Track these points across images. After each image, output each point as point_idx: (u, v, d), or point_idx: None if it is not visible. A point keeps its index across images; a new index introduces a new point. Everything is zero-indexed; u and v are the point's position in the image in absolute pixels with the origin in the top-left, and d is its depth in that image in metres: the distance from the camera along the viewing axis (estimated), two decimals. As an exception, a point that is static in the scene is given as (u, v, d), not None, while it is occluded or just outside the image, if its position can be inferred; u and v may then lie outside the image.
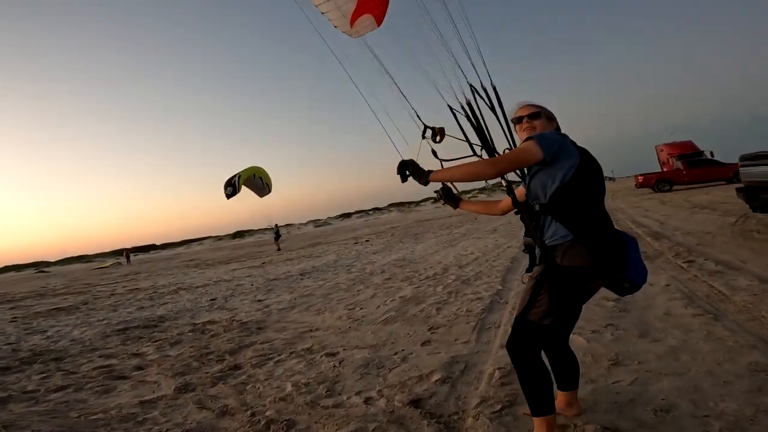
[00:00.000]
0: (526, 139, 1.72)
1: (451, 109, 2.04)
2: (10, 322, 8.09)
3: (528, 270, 1.84)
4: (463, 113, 2.01)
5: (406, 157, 1.87)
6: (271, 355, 3.96)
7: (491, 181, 1.80)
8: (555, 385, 1.90)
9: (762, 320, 2.96)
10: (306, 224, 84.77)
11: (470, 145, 2.05)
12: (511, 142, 2.02)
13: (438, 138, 2.03)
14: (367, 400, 2.69)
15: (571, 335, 3.15)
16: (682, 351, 2.66)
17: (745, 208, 7.43)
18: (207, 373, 3.65)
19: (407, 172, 1.77)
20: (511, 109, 1.97)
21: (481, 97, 1.99)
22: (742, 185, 6.77)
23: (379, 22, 2.29)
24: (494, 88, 1.99)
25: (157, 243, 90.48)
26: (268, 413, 2.69)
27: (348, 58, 2.11)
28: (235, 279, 11.07)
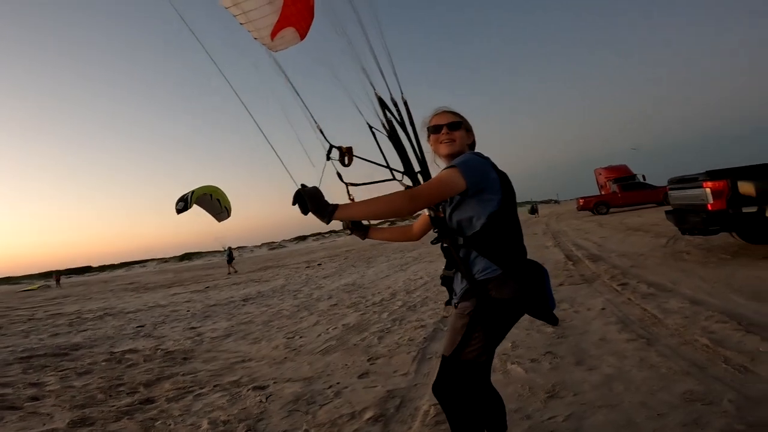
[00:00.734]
0: (448, 167, 1.53)
1: (370, 127, 1.85)
2: None
3: (449, 303, 1.69)
4: (385, 132, 1.80)
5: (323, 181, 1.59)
6: (191, 388, 3.64)
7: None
8: None
9: (694, 344, 2.99)
10: (260, 247, 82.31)
11: (391, 170, 1.83)
12: (419, 156, 1.80)
13: (347, 160, 1.80)
14: (290, 444, 2.43)
15: (509, 365, 3.09)
16: (617, 380, 2.61)
17: (674, 230, 7.88)
18: (112, 406, 3.32)
19: (307, 206, 1.44)
20: (425, 116, 1.75)
21: (389, 111, 1.80)
22: (670, 208, 7.16)
23: (302, 35, 2.14)
24: (405, 103, 1.81)
25: (94, 265, 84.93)
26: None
27: (258, 70, 1.91)
28: (171, 304, 10.40)
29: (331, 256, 23.08)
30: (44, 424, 3.07)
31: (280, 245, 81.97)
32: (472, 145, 1.74)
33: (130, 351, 5.36)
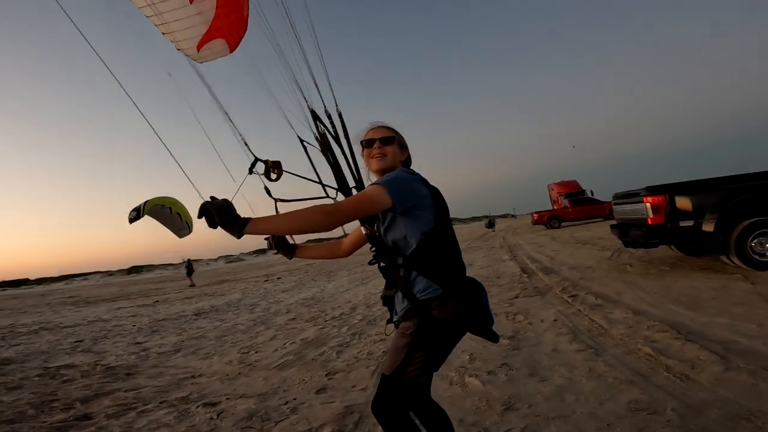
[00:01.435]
0: (373, 184, 1.47)
1: (301, 141, 1.77)
2: None
3: (390, 322, 1.65)
4: (318, 146, 1.73)
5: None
6: (134, 405, 3.45)
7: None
8: None
9: (638, 353, 3.14)
10: (216, 260, 79.24)
11: (323, 186, 1.76)
12: (353, 171, 1.74)
13: (274, 175, 1.71)
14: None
15: (467, 378, 3.12)
16: (568, 391, 2.69)
17: (618, 243, 8.32)
18: (44, 422, 3.12)
19: (215, 219, 1.32)
20: (360, 130, 1.71)
21: (322, 124, 1.74)
22: (615, 222, 7.53)
23: (232, 48, 2.08)
24: (340, 115, 1.75)
25: (32, 278, 78.64)
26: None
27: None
28: (115, 318, 9.80)
29: (291, 270, 22.61)
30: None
31: (238, 258, 79.36)
32: (407, 161, 1.72)
33: (66, 366, 5.02)
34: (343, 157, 1.74)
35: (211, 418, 3.01)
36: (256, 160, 1.72)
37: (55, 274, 79.81)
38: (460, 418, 2.51)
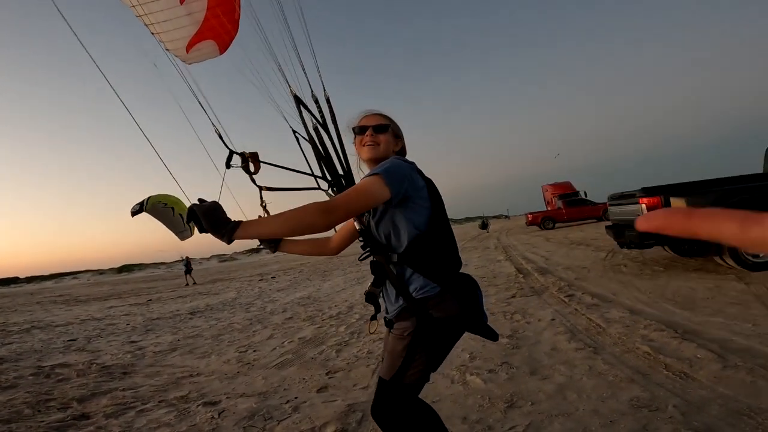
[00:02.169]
0: (369, 174, 1.38)
1: (294, 132, 1.70)
2: None
3: (374, 318, 1.59)
4: (307, 138, 1.64)
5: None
6: (133, 404, 3.43)
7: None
8: None
9: (636, 352, 3.18)
10: (209, 259, 78.71)
11: (315, 178, 1.67)
12: (342, 161, 1.66)
13: (252, 168, 1.61)
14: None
15: (469, 376, 3.14)
16: (569, 388, 2.72)
17: (613, 244, 8.41)
18: (41, 422, 3.08)
19: (202, 224, 1.25)
20: (352, 117, 1.61)
21: (308, 110, 1.65)
22: (610, 223, 7.62)
23: (222, 49, 2.08)
24: (328, 100, 1.65)
25: (22, 276, 77.82)
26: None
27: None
28: (108, 317, 9.70)
29: (285, 269, 22.53)
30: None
31: (231, 257, 78.92)
32: (401, 152, 1.64)
33: (61, 365, 4.97)
34: (331, 145, 1.66)
35: (212, 417, 3.00)
36: (231, 153, 1.64)
37: (46, 273, 79.01)
38: (464, 415, 2.52)
